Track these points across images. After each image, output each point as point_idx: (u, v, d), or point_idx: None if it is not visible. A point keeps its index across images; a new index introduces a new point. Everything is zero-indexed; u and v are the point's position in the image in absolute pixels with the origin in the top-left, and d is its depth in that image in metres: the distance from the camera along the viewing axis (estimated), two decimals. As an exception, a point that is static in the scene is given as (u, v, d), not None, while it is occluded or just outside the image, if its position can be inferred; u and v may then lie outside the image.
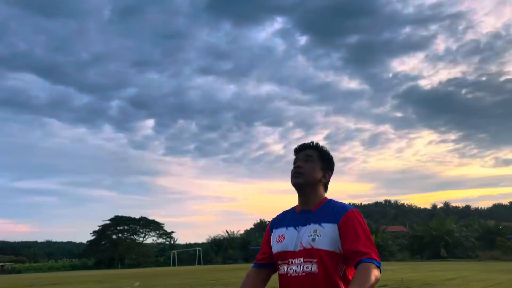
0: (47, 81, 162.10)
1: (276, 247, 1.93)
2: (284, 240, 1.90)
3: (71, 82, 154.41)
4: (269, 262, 2.00)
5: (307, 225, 1.85)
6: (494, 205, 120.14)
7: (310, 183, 1.92)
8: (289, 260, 1.85)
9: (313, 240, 1.80)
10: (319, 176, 1.94)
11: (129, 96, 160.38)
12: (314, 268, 1.78)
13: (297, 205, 1.99)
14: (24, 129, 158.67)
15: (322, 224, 1.82)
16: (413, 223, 55.87)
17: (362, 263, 1.67)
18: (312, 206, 1.91)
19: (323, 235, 1.79)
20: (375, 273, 1.64)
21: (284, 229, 1.93)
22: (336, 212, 1.83)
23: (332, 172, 2.01)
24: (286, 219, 1.98)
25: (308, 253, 1.80)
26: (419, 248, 43.58)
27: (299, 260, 1.81)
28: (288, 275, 1.84)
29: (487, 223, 50.33)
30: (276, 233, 1.97)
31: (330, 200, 1.94)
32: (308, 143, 2.02)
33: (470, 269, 21.25)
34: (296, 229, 1.88)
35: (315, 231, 1.81)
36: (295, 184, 1.93)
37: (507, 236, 40.01)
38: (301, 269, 1.80)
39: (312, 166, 1.93)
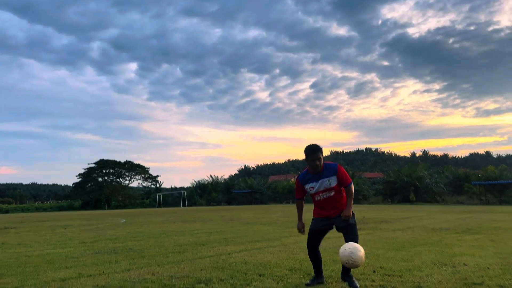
0: (24, 20, 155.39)
1: (311, 191, 4.38)
2: (314, 188, 4.35)
3: (49, 21, 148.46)
4: (303, 197, 4.63)
5: (322, 179, 4.29)
6: (471, 154, 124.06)
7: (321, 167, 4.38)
8: (320, 193, 4.34)
9: (329, 184, 4.29)
10: (323, 162, 4.31)
11: (110, 37, 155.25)
12: (332, 193, 4.31)
13: (308, 168, 4.37)
14: (2, 70, 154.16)
15: (330, 177, 4.28)
16: (389, 170, 58.23)
17: (347, 187, 4.35)
18: (319, 170, 4.30)
19: (332, 181, 4.29)
20: (352, 188, 4.40)
21: (311, 183, 4.37)
22: (333, 169, 4.29)
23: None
24: (307, 178, 4.39)
25: (328, 189, 4.31)
26: (391, 193, 46.03)
27: (325, 193, 4.32)
28: (321, 199, 4.35)
29: (458, 170, 52.97)
30: (307, 185, 4.41)
31: (325, 163, 4.32)
32: (314, 148, 4.25)
33: (428, 210, 23.17)
34: (317, 182, 4.32)
35: (328, 180, 4.28)
36: (316, 173, 4.32)
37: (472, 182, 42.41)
38: (327, 195, 4.32)
39: (320, 162, 4.26)
